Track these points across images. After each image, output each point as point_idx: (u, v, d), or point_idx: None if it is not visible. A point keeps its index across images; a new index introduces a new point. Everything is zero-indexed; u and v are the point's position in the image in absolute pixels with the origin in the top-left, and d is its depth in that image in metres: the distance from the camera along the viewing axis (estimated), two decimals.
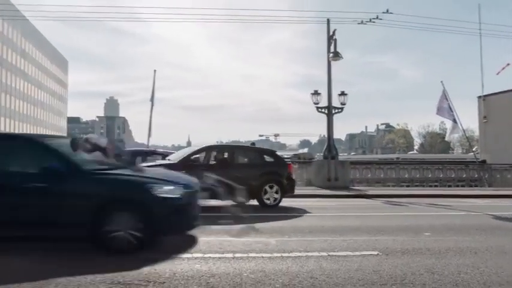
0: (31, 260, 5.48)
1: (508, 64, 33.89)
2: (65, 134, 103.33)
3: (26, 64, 78.01)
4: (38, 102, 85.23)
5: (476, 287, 4.57)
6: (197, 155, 12.56)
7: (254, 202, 11.96)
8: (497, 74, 34.54)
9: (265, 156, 13.52)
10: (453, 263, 5.62)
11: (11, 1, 56.19)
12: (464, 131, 21.83)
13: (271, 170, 12.85)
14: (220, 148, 14.51)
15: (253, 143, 20.29)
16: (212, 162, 12.54)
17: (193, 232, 6.89)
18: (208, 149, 12.90)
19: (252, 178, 11.99)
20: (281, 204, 12.13)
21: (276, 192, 12.22)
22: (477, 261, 5.75)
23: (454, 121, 21.89)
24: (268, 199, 12.14)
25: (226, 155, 12.91)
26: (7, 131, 67.55)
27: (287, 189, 12.68)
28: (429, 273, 5.07)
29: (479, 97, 34.55)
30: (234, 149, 14.39)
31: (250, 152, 14.14)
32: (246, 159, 13.55)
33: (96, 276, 4.77)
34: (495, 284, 4.72)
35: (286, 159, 16.97)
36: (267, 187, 12.15)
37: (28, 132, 74.87)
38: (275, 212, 11.15)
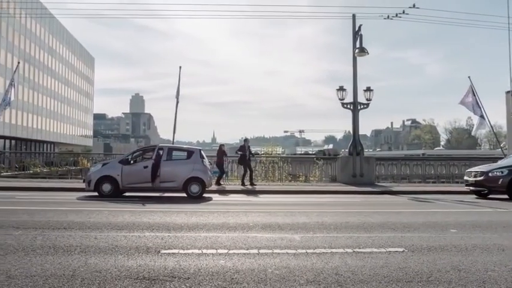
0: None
1: None
2: (91, 130, 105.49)
3: (54, 61, 79.39)
4: (65, 99, 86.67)
5: (503, 285, 4.50)
6: None
7: None
8: None
9: None
10: (480, 260, 5.55)
11: None
12: (491, 126, 21.37)
13: None
14: None
15: (246, 139, 19.92)
16: None
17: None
18: None
19: None
20: (304, 199, 12.07)
21: None
22: (505, 258, 5.66)
23: (482, 116, 21.48)
24: None
25: None
26: (34, 127, 69.67)
27: None
28: (455, 270, 5.03)
29: (508, 92, 33.79)
30: None
31: None
32: None
33: (121, 272, 4.79)
34: None
35: (311, 155, 16.85)
36: None
37: (55, 128, 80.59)
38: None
